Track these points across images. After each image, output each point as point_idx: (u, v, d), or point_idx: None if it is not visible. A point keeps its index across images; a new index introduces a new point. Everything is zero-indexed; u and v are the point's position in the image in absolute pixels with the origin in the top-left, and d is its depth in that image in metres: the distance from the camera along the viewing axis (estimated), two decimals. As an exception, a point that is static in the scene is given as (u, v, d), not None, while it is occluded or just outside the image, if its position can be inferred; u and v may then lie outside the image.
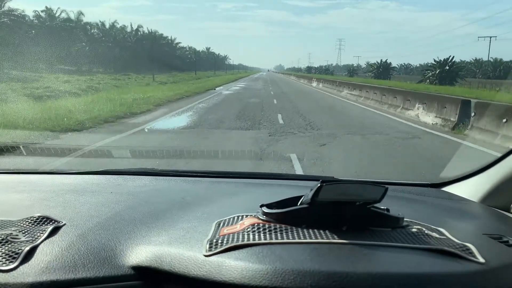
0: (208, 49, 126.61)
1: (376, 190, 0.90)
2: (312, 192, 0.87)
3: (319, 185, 0.85)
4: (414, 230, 0.92)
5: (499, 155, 1.32)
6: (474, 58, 78.40)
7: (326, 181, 0.87)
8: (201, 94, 20.90)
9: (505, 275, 0.80)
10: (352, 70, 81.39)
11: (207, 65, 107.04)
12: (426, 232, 0.91)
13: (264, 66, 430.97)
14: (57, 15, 51.79)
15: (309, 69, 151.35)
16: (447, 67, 41.15)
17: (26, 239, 0.90)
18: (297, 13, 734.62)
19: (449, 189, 1.48)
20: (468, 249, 0.84)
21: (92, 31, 59.15)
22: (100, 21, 60.50)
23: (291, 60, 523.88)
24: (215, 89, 26.11)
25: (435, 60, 43.60)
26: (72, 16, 53.54)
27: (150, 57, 50.50)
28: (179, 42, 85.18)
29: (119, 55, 55.87)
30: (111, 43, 60.33)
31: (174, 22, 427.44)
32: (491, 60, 76.02)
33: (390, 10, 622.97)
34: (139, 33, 66.24)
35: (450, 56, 42.37)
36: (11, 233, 0.91)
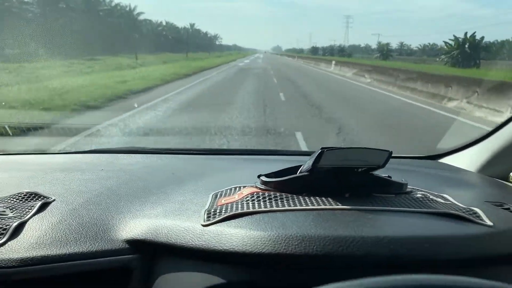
0: (192, 25, 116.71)
1: (379, 155, 0.89)
2: (313, 158, 0.87)
3: (320, 151, 0.86)
4: (418, 195, 0.93)
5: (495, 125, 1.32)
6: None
7: (327, 148, 0.86)
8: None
9: None
10: (386, 52, 61.56)
11: (193, 45, 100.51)
12: (431, 197, 0.93)
13: (261, 47, 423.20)
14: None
15: (314, 50, 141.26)
16: (467, 47, 35.32)
17: (14, 215, 0.91)
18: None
19: (446, 160, 1.51)
20: (475, 212, 0.85)
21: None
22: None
23: (289, 41, 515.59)
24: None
25: (455, 37, 37.43)
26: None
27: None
28: (141, 13, 70.09)
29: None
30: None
31: (166, 2, 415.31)
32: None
33: None
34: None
35: (473, 32, 36.28)
36: None
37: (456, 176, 1.31)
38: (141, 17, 68.48)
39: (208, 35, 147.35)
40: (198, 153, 1.61)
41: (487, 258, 0.78)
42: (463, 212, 0.85)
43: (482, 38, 35.91)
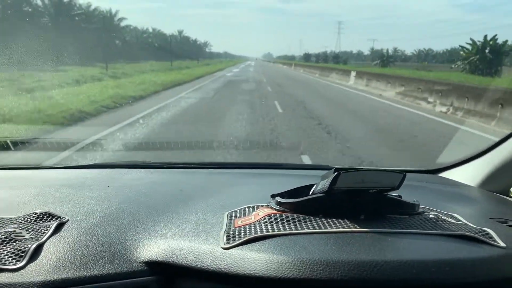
0: (180, 32, 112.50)
1: (393, 177, 0.92)
2: (330, 180, 0.88)
3: (336, 173, 0.87)
4: (431, 216, 0.95)
5: (497, 140, 1.34)
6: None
7: (341, 169, 0.88)
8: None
9: None
10: (386, 58, 56.41)
11: (181, 53, 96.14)
12: (443, 218, 0.95)
13: (252, 54, 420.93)
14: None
15: (306, 56, 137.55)
16: (488, 51, 30.88)
17: (31, 236, 0.90)
18: (284, 0, 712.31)
19: (447, 174, 1.52)
20: (488, 233, 0.88)
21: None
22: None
23: (279, 47, 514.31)
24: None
25: (472, 41, 32.85)
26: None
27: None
28: (123, 18, 62.74)
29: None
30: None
31: (157, 10, 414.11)
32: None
33: None
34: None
35: (494, 35, 31.82)
36: (14, 231, 0.91)
37: (459, 191, 1.34)
38: (124, 23, 63.55)
39: (198, 43, 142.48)
40: (201, 167, 1.61)
41: (504, 279, 0.80)
42: (476, 233, 0.88)
43: (506, 42, 31.35)
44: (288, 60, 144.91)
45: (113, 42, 56.63)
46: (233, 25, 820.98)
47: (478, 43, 31.66)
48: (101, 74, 23.08)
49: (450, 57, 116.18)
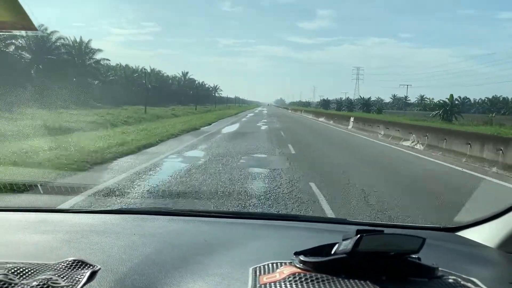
0: (185, 74, 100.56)
1: (414, 241, 0.95)
2: (353, 242, 0.92)
3: (359, 236, 0.91)
4: (450, 280, 0.97)
5: None
6: None
7: (362, 231, 0.92)
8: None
9: None
10: (452, 107, 40.35)
11: (184, 97, 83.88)
12: (462, 282, 0.97)
13: (264, 99, 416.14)
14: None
15: (325, 103, 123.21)
16: None
17: (66, 284, 0.94)
18: (296, 49, 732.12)
19: (464, 233, 1.51)
20: None
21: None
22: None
23: (291, 93, 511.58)
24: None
25: None
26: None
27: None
28: (98, 50, 50.72)
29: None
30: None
31: (174, 57, 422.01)
32: None
33: (388, 46, 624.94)
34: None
35: None
36: (51, 278, 0.95)
37: (477, 253, 1.33)
38: (99, 56, 51.19)
39: (207, 86, 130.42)
40: (223, 216, 1.71)
41: None
42: None
43: None
44: (303, 106, 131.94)
45: (84, 80, 44.60)
46: (244, 72, 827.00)
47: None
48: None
49: (491, 106, 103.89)
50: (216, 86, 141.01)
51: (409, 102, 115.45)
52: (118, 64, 64.08)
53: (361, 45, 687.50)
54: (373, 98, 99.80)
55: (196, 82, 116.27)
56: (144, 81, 58.02)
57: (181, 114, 37.82)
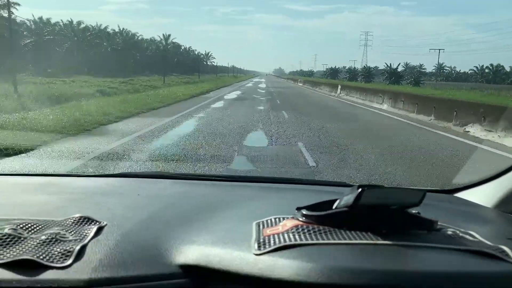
0: (167, 37, 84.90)
1: (414, 194, 1.02)
2: (354, 195, 0.97)
3: (361, 189, 0.96)
4: (449, 232, 1.03)
5: None
6: None
7: (364, 186, 0.97)
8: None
9: None
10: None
11: (170, 65, 68.58)
12: (460, 235, 1.03)
13: (262, 69, 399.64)
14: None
15: (333, 72, 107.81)
16: None
17: (74, 238, 1.01)
18: (294, 17, 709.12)
19: (463, 195, 1.59)
20: (504, 251, 0.95)
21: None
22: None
23: (291, 63, 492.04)
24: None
25: None
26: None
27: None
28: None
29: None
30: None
31: (169, 25, 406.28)
32: None
33: (388, 15, 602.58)
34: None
35: None
36: (59, 232, 1.02)
37: (475, 212, 1.40)
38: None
39: (197, 53, 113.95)
40: (222, 180, 1.77)
41: None
42: (493, 250, 0.95)
43: None
44: (304, 76, 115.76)
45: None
46: (243, 40, 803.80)
47: None
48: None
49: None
50: (208, 53, 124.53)
51: (424, 71, 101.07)
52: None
53: (362, 13, 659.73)
54: (381, 67, 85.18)
55: (182, 47, 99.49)
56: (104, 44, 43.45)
57: (120, 91, 24.04)
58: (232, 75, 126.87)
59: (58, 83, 28.17)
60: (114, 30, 63.85)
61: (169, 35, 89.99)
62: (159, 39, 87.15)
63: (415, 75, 57.25)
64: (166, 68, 61.00)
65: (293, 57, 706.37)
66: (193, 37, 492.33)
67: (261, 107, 17.69)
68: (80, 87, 23.92)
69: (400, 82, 56.63)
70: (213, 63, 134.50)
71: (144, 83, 35.43)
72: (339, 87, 31.11)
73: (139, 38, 75.36)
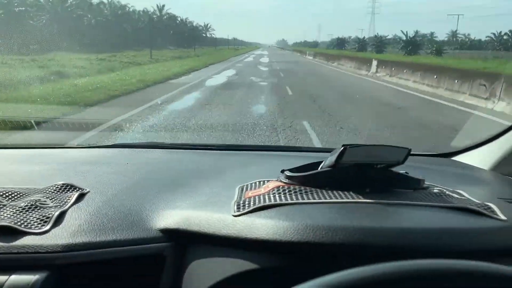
0: (161, 8, 79.18)
1: (398, 152, 1.00)
2: (336, 154, 0.97)
3: (342, 148, 0.95)
4: (435, 191, 1.04)
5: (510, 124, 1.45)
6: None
7: (348, 145, 0.96)
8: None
9: None
10: None
11: (165, 38, 63.13)
12: (447, 193, 1.03)
13: (265, 41, 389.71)
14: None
15: (340, 42, 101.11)
16: None
17: (54, 204, 1.04)
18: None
19: (460, 158, 1.60)
20: (490, 208, 0.95)
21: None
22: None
23: (295, 34, 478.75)
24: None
25: None
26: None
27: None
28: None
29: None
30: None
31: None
32: None
33: None
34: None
35: None
36: (39, 199, 1.05)
37: (470, 174, 1.40)
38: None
39: (195, 24, 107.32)
40: (215, 149, 1.77)
41: (500, 250, 0.87)
42: (478, 207, 0.95)
43: None
44: (309, 47, 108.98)
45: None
46: (243, 12, 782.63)
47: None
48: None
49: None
50: (207, 24, 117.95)
51: (436, 39, 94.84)
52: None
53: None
54: (390, 36, 79.08)
55: (179, 19, 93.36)
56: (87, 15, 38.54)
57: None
58: (232, 47, 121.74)
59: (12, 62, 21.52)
60: (100, 0, 58.51)
61: (163, 6, 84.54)
62: (152, 10, 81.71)
63: (437, 44, 52.55)
64: (161, 41, 55.93)
65: (296, 28, 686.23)
66: (193, 9, 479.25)
67: (261, 109, 9.24)
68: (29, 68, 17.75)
69: (417, 52, 51.52)
70: (213, 35, 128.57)
71: (128, 59, 30.20)
72: (375, 63, 20.64)
73: (130, 9, 70.08)
